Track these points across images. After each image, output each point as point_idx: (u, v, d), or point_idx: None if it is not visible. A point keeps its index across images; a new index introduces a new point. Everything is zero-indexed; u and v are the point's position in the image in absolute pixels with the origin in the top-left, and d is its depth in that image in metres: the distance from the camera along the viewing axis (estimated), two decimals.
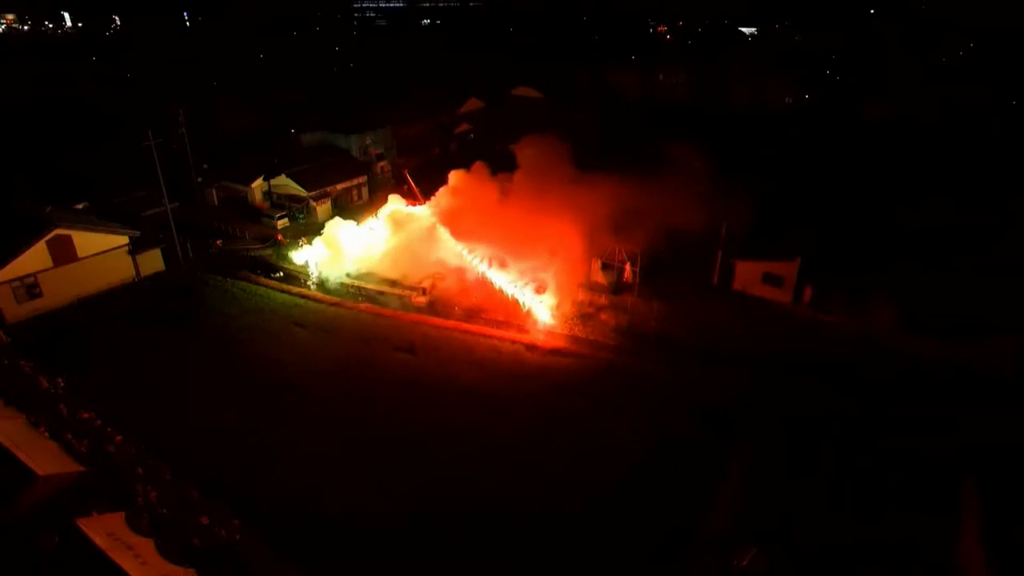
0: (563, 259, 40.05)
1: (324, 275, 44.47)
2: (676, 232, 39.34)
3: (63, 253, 40.70)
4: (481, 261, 42.22)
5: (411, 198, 48.54)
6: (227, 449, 28.31)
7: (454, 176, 45.71)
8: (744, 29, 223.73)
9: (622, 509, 25.05)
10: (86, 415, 30.38)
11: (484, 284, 41.64)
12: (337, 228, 47.24)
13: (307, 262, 45.20)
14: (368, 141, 60.51)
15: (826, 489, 25.75)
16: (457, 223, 43.37)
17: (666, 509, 24.95)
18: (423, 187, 49.99)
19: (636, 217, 38.78)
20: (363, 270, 45.43)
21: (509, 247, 41.64)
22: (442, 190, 46.27)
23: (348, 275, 44.90)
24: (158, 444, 28.08)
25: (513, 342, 36.53)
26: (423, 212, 46.76)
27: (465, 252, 42.71)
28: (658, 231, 38.82)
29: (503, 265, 42.02)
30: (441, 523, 24.36)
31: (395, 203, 47.85)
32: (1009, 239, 42.57)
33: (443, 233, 43.83)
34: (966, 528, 23.60)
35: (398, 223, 46.92)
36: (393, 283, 43.57)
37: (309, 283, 43.91)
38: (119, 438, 28.78)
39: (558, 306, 39.05)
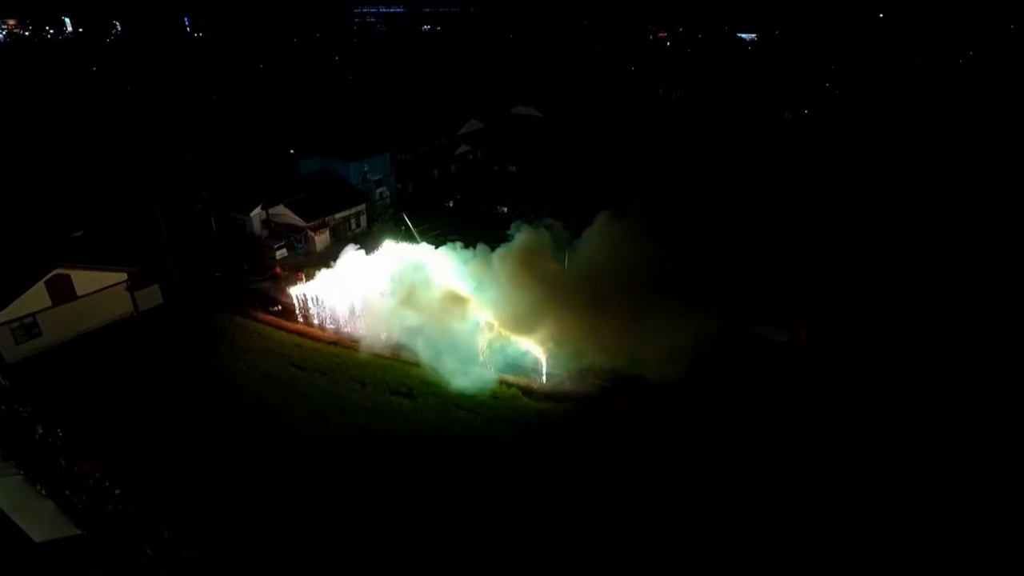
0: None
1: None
2: None
3: (62, 292, 40.75)
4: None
5: (410, 240, 47.28)
6: (225, 502, 28.46)
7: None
8: (744, 35, 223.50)
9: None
10: (87, 466, 30.58)
11: None
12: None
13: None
14: (366, 168, 60.44)
15: None
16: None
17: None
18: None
19: None
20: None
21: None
22: None
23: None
24: (154, 494, 28.46)
25: (510, 386, 36.63)
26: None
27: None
28: None
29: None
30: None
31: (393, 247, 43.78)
32: None
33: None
34: None
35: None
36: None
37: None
38: (117, 492, 28.99)
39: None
